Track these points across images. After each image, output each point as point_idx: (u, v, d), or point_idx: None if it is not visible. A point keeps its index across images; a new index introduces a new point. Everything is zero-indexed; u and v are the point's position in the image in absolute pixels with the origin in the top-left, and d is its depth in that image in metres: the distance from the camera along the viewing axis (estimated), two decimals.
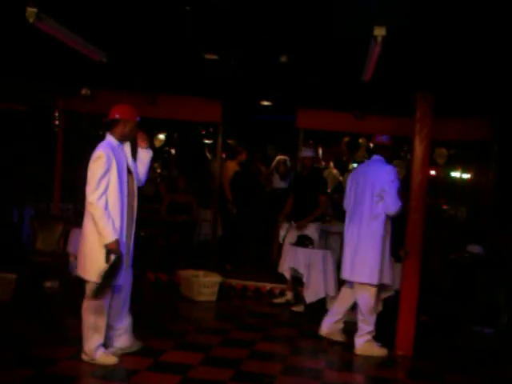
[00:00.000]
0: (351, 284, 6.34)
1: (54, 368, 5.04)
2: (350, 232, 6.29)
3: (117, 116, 5.27)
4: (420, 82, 6.36)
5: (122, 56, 6.69)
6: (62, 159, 9.27)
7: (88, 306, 5.20)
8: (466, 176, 10.81)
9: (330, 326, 6.51)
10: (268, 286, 8.79)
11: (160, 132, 11.63)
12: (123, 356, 5.45)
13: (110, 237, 4.94)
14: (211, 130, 11.28)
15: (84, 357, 5.22)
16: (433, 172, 10.90)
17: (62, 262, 7.84)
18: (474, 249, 8.00)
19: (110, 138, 5.24)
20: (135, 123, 5.33)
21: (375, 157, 6.37)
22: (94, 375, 5.02)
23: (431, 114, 6.20)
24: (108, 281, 5.01)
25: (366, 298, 6.17)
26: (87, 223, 5.11)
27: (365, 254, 6.14)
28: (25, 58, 7.12)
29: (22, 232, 8.91)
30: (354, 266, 6.20)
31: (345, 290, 6.50)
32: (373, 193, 6.12)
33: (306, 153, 8.17)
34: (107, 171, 4.97)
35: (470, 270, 7.78)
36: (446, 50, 5.46)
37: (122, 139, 5.29)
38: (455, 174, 11.13)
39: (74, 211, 9.24)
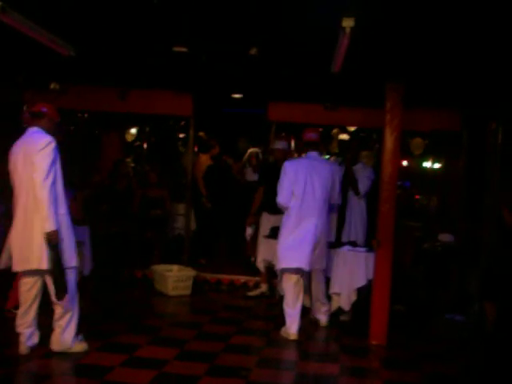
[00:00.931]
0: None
1: (26, 367, 4.99)
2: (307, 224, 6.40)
3: (44, 110, 5.36)
4: (390, 72, 6.39)
5: (90, 50, 6.61)
6: None
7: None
8: (438, 166, 10.94)
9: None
10: (242, 278, 8.80)
11: (132, 126, 11.55)
12: (96, 352, 5.43)
13: (54, 225, 4.98)
14: (182, 123, 11.23)
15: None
16: (405, 162, 11.01)
17: None
18: (446, 238, 8.09)
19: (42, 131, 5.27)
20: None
21: (312, 153, 6.64)
22: (66, 373, 4.98)
23: (401, 105, 6.24)
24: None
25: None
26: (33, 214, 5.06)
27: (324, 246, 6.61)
28: None
29: None
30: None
31: None
32: (326, 187, 6.47)
33: (278, 145, 8.17)
34: (55, 160, 5.06)
35: (442, 259, 7.87)
36: (416, 40, 5.49)
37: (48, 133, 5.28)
38: (427, 164, 11.25)
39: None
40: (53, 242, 4.99)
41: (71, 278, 5.26)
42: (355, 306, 6.95)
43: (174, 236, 9.99)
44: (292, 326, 6.37)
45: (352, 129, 10.51)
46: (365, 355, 6.05)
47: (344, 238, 7.52)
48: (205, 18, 5.28)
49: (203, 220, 9.83)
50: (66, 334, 5.36)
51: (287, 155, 7.92)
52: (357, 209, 7.57)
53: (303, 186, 6.41)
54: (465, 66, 6.24)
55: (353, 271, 6.85)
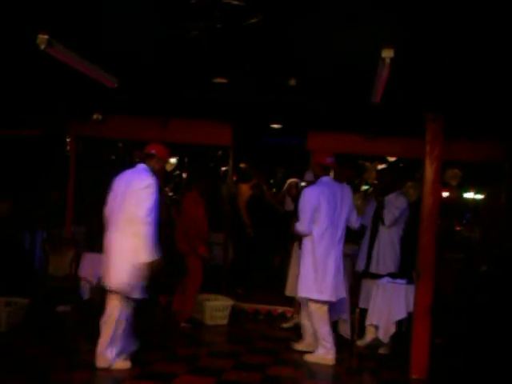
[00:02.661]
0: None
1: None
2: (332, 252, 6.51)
3: (154, 151, 5.81)
4: (430, 103, 6.38)
5: (132, 81, 6.74)
6: (74, 183, 9.32)
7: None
8: (480, 197, 10.77)
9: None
10: (280, 309, 8.73)
11: (171, 156, 11.66)
12: (134, 380, 5.45)
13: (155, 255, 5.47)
14: (220, 153, 11.31)
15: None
16: (446, 193, 10.87)
17: (74, 286, 7.85)
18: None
19: (148, 170, 5.73)
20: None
21: (327, 177, 6.76)
22: None
23: (441, 136, 6.18)
24: None
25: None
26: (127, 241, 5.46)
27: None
28: (37, 85, 7.20)
29: (34, 257, 8.95)
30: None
31: None
32: (346, 212, 6.63)
33: (307, 177, 8.19)
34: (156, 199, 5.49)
35: (485, 291, 7.69)
36: (456, 70, 5.47)
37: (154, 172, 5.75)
38: (468, 195, 11.08)
39: (85, 235, 9.27)
40: (155, 269, 5.52)
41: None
42: (394, 338, 6.83)
43: (211, 265, 9.99)
44: (331, 352, 6.41)
45: (392, 159, 10.44)
46: None
47: (372, 268, 7.41)
48: (245, 49, 5.34)
49: (242, 249, 9.83)
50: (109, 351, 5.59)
51: None
52: (386, 239, 7.43)
53: (326, 212, 6.43)
54: (506, 96, 6.18)
55: (392, 303, 6.75)
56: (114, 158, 10.68)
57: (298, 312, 8.09)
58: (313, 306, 6.49)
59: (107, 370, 5.59)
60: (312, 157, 6.82)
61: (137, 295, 5.58)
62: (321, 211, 6.41)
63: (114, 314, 5.59)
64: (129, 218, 5.45)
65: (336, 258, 6.52)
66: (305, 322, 6.81)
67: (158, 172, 5.81)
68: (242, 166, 10.67)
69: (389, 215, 7.32)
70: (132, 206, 5.43)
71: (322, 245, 6.45)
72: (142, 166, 5.74)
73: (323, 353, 6.45)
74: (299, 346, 6.86)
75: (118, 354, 5.67)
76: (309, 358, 6.50)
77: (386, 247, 7.35)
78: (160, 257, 5.52)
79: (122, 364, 5.68)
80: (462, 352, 7.05)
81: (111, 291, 5.60)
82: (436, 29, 4.45)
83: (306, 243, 6.52)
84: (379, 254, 7.37)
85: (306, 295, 6.48)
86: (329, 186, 6.59)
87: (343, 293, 6.63)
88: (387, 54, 4.75)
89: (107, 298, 5.65)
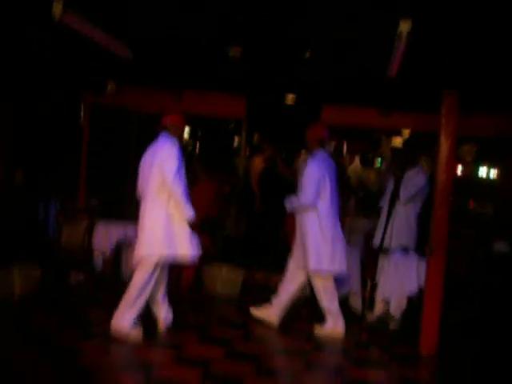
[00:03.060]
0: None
1: (79, 360, 5.09)
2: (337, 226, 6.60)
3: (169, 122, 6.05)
4: (446, 77, 6.30)
5: (147, 52, 6.72)
6: (87, 153, 9.34)
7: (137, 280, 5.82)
8: (493, 173, 10.70)
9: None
10: None
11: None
12: (147, 348, 5.52)
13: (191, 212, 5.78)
14: (232, 125, 11.29)
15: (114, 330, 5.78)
16: (459, 168, 10.81)
17: (87, 257, 7.91)
18: (501, 247, 7.90)
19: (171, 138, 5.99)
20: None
21: (323, 151, 6.68)
22: (118, 368, 5.06)
23: (457, 110, 6.12)
24: None
25: None
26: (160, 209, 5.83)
27: None
28: (52, 54, 7.18)
29: (48, 227, 9.01)
30: None
31: None
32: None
33: None
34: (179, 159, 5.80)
35: (497, 268, 7.68)
36: (474, 44, 5.40)
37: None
38: (482, 171, 11.02)
39: (98, 206, 9.31)
40: (195, 223, 5.79)
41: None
42: (405, 314, 6.85)
43: (223, 237, 10.03)
44: (340, 324, 6.51)
45: (407, 133, 10.37)
46: (415, 365, 5.96)
47: (386, 243, 7.39)
48: (260, 20, 5.30)
49: (254, 223, 9.84)
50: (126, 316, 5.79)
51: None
52: (402, 215, 7.37)
53: (330, 186, 6.45)
54: None
55: (404, 277, 6.76)
56: (128, 128, 10.68)
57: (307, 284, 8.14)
58: (321, 281, 6.52)
59: (121, 338, 5.70)
60: (307, 131, 6.70)
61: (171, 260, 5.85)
62: (326, 186, 6.42)
63: (140, 281, 5.77)
64: (158, 186, 5.78)
65: (340, 232, 6.58)
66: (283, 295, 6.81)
67: (176, 136, 6.01)
68: (255, 138, 10.62)
69: (405, 192, 7.25)
70: (159, 174, 5.74)
71: (329, 219, 6.46)
72: (164, 135, 5.97)
73: (332, 325, 6.51)
74: (258, 313, 6.89)
75: (135, 323, 5.81)
76: (319, 330, 6.54)
77: (402, 223, 7.29)
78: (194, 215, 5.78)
79: (137, 333, 5.81)
80: (473, 331, 7.08)
81: (142, 259, 5.81)
82: (454, 2, 4.39)
83: (312, 218, 6.46)
84: (394, 230, 7.33)
85: (318, 268, 6.47)
86: (326, 161, 6.59)
87: (347, 266, 6.70)
88: (404, 27, 4.70)
89: (137, 266, 5.85)
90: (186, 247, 5.80)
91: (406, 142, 10.13)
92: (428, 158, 8.30)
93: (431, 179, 7.30)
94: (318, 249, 6.42)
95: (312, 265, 6.42)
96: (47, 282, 7.32)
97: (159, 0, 4.92)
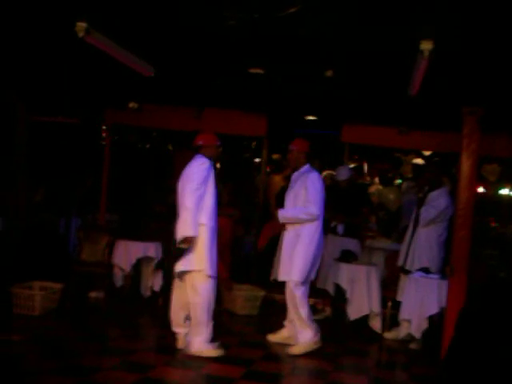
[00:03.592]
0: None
1: (97, 377, 5.08)
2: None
3: (201, 143, 6.08)
4: (468, 96, 6.27)
5: (168, 70, 6.77)
6: (108, 171, 9.41)
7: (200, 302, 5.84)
8: None
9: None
10: (311, 300, 8.69)
11: None
12: (165, 367, 5.51)
13: (192, 232, 5.67)
14: (254, 143, 11.33)
15: (192, 350, 5.82)
16: (481, 189, 10.73)
17: (107, 273, 7.94)
18: None
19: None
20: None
21: (308, 166, 6.63)
22: None
23: (479, 130, 6.09)
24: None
25: None
26: None
27: None
28: (75, 72, 7.27)
29: (69, 243, 9.08)
30: None
31: None
32: None
33: (341, 176, 8.14)
34: (207, 178, 5.84)
35: None
36: (495, 63, 5.37)
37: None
38: (504, 191, 10.93)
39: (119, 223, 9.37)
40: (185, 246, 5.71)
41: (208, 286, 5.84)
42: (425, 334, 6.78)
43: (242, 255, 10.03)
44: (317, 333, 6.40)
45: (427, 153, 10.33)
46: None
47: (407, 265, 7.30)
48: (282, 40, 5.32)
49: (272, 241, 9.81)
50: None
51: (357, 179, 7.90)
52: (422, 236, 7.29)
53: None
54: None
55: (425, 298, 6.70)
56: (148, 146, 10.77)
57: (328, 304, 8.09)
58: (301, 290, 6.34)
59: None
60: (292, 146, 6.64)
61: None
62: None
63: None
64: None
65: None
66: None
67: (211, 158, 6.03)
68: (274, 156, 10.64)
69: (424, 214, 7.17)
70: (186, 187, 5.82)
71: (321, 231, 6.48)
72: (198, 156, 6.02)
73: (310, 337, 6.32)
74: (274, 338, 6.76)
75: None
76: (294, 350, 6.31)
77: (422, 245, 7.21)
78: (195, 236, 5.69)
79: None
80: (494, 351, 6.96)
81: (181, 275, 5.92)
82: (476, 21, 4.37)
83: (311, 229, 6.39)
84: (415, 252, 7.26)
85: (304, 278, 6.31)
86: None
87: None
88: (426, 46, 4.69)
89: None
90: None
91: (429, 162, 10.09)
92: (448, 178, 8.24)
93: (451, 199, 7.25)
94: (309, 260, 6.34)
95: (299, 276, 6.28)
96: (67, 298, 7.35)
97: (182, 19, 4.95)
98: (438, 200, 7.18)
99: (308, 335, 6.31)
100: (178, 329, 6.06)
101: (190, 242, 5.69)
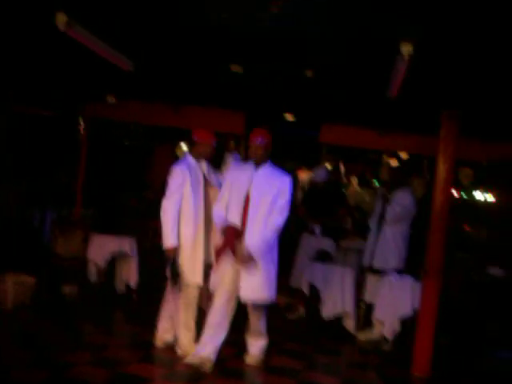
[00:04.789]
0: None
1: (71, 372, 5.05)
2: None
3: (195, 139, 5.97)
4: (447, 100, 6.32)
5: (148, 65, 6.73)
6: (85, 165, 9.33)
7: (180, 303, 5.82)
8: (489, 197, 10.73)
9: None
10: (285, 300, 8.70)
11: (182, 141, 11.68)
12: (137, 364, 5.48)
13: (169, 242, 5.59)
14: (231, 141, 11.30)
15: (178, 351, 5.81)
16: (454, 192, 10.84)
17: (81, 268, 7.89)
18: (495, 271, 7.91)
19: (188, 157, 5.98)
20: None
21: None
22: (108, 382, 5.03)
23: (457, 134, 6.15)
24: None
25: None
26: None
27: None
28: (53, 65, 7.20)
29: (43, 236, 8.99)
30: None
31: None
32: None
33: (318, 177, 8.16)
34: (181, 184, 5.67)
35: (491, 293, 7.68)
36: (475, 68, 5.42)
37: (198, 158, 5.95)
38: (478, 195, 11.05)
39: (94, 218, 9.30)
40: (168, 258, 5.63)
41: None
42: (399, 335, 6.83)
43: None
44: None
45: (404, 156, 10.41)
46: None
47: (375, 264, 7.38)
48: (261, 38, 5.31)
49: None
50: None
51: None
52: (389, 235, 7.39)
53: None
54: None
55: (398, 300, 6.75)
56: (126, 141, 10.71)
57: (303, 304, 8.11)
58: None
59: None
60: (262, 138, 5.76)
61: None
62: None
63: None
64: None
65: None
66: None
67: (204, 156, 5.97)
68: None
69: (390, 211, 7.30)
70: None
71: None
72: (178, 160, 6.04)
73: (264, 345, 5.98)
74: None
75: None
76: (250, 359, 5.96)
77: (389, 243, 7.33)
78: (175, 246, 5.62)
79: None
80: (465, 352, 7.06)
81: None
82: (457, 25, 4.41)
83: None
84: (381, 250, 7.35)
85: (273, 296, 5.67)
86: None
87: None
88: (406, 48, 4.71)
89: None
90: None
91: (403, 162, 10.19)
92: (420, 179, 8.33)
93: (424, 201, 7.35)
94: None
95: (270, 294, 5.60)
96: (41, 292, 7.28)
97: (162, 15, 4.93)
98: (402, 198, 7.31)
99: (263, 343, 6.02)
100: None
101: (171, 252, 5.63)
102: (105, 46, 5.67)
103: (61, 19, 4.80)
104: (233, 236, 5.42)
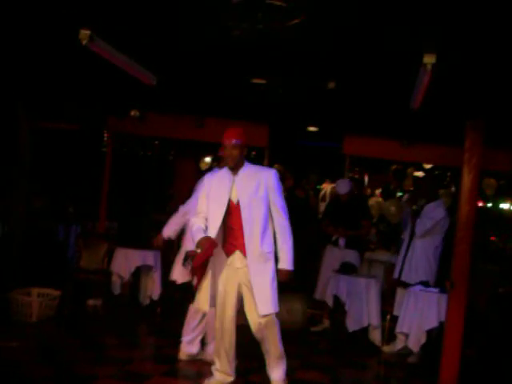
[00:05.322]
0: None
1: None
2: None
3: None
4: (470, 110, 6.27)
5: (171, 79, 6.78)
6: (109, 179, 9.40)
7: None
8: None
9: None
10: (309, 312, 8.66)
11: (206, 155, 11.72)
12: (162, 377, 5.47)
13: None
14: (254, 152, 11.33)
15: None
16: (480, 204, 10.72)
17: (106, 281, 7.93)
18: None
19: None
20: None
21: None
22: None
23: (481, 144, 6.08)
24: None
25: None
26: None
27: None
28: (78, 79, 7.28)
29: (68, 250, 9.06)
30: None
31: None
32: None
33: (341, 189, 8.10)
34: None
35: None
36: (498, 77, 5.37)
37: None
38: (504, 206, 10.92)
39: (118, 231, 9.35)
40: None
41: None
42: (424, 347, 6.75)
43: None
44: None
45: (428, 166, 10.34)
46: None
47: (404, 277, 7.30)
48: (285, 51, 5.32)
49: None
50: None
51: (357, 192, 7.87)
52: (419, 248, 7.29)
53: None
54: None
55: (424, 312, 6.67)
56: (149, 154, 10.77)
57: (327, 316, 8.06)
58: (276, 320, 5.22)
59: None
60: (234, 139, 5.22)
61: None
62: None
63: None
64: None
65: None
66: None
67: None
68: (276, 166, 10.64)
69: (420, 226, 7.20)
70: None
71: None
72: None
73: (285, 365, 5.35)
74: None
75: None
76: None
77: (419, 257, 7.23)
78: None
79: None
80: (492, 365, 6.95)
81: None
82: (480, 35, 4.38)
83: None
84: (412, 264, 7.26)
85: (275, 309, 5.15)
86: None
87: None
88: (429, 59, 4.69)
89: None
90: None
91: (429, 173, 10.12)
92: (447, 190, 8.26)
93: (451, 212, 7.25)
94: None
95: (274, 307, 5.11)
96: (65, 305, 7.33)
97: (186, 28, 4.96)
98: (434, 212, 7.21)
99: (284, 367, 5.39)
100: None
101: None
102: (128, 60, 5.72)
103: (84, 34, 4.85)
104: (212, 247, 4.96)
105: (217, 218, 5.08)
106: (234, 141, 5.17)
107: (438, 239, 7.27)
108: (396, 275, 7.39)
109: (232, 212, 5.11)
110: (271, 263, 5.10)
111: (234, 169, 5.15)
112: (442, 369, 6.10)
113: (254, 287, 5.00)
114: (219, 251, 5.14)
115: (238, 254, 5.12)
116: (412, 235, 7.29)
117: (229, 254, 5.17)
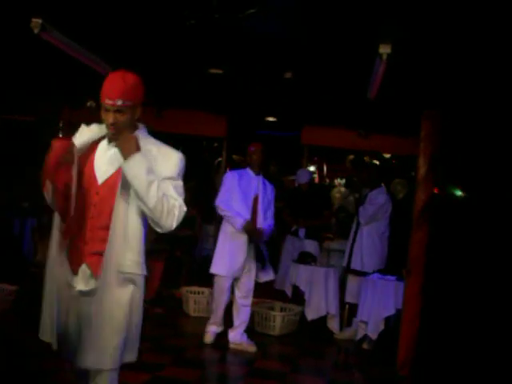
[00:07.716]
0: None
1: (51, 379, 4.99)
2: None
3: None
4: (427, 100, 6.34)
5: (127, 69, 6.68)
6: None
7: None
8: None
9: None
10: (269, 301, 8.68)
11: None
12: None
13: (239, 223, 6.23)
14: (215, 145, 11.29)
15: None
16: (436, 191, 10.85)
17: None
18: None
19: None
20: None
21: None
22: None
23: (437, 133, 6.15)
24: None
25: None
26: None
27: None
28: (32, 70, 7.14)
29: (23, 244, 8.90)
30: None
31: None
32: None
33: (301, 179, 8.14)
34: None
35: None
36: (453, 68, 5.44)
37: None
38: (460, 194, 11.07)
39: None
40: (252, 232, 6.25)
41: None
42: (382, 334, 6.83)
43: (202, 257, 9.96)
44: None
45: (387, 155, 10.44)
46: None
47: (354, 265, 7.38)
48: (241, 41, 5.30)
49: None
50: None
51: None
52: (365, 235, 7.39)
53: None
54: (504, 95, 6.16)
55: (381, 300, 6.75)
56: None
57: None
58: None
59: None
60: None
61: None
62: None
63: None
64: None
65: None
66: None
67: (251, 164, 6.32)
68: (234, 157, 10.62)
69: (362, 212, 7.31)
70: None
71: None
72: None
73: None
74: None
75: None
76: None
77: (366, 243, 7.33)
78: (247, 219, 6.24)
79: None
80: (449, 352, 7.07)
81: None
82: (434, 25, 4.42)
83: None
84: (360, 251, 7.36)
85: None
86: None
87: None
88: (385, 49, 4.72)
89: None
90: None
91: (367, 163, 10.19)
92: (401, 180, 8.34)
93: (406, 201, 7.35)
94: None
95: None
96: (22, 299, 7.20)
97: (141, 17, 4.90)
98: (376, 198, 7.30)
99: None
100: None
101: (249, 225, 6.20)
102: (81, 49, 5.63)
103: (35, 22, 4.76)
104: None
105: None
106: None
107: (383, 224, 7.37)
108: (345, 263, 7.49)
109: None
110: None
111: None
112: (400, 354, 6.18)
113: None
114: None
115: None
116: (358, 223, 7.39)
117: None
